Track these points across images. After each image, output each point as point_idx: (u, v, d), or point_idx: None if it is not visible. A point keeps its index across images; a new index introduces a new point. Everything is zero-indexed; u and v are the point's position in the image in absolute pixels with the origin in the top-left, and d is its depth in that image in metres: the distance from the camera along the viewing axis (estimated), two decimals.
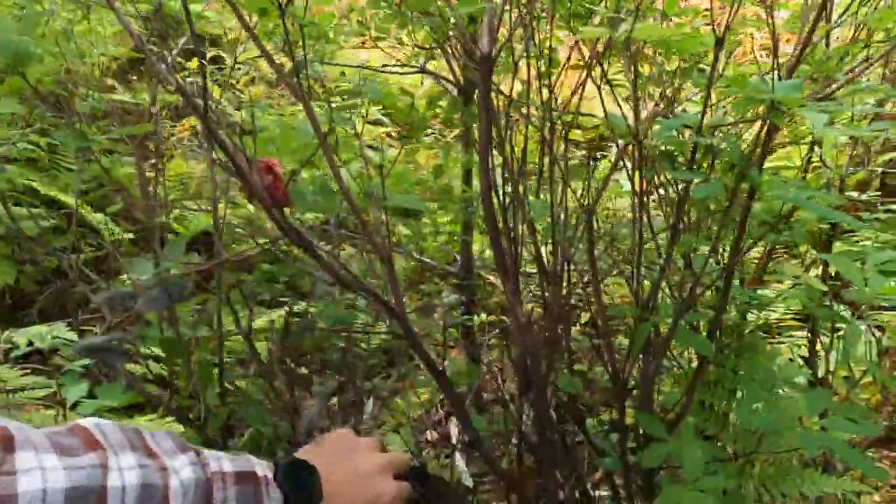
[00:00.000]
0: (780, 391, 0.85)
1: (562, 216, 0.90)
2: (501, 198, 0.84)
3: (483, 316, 2.01)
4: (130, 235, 2.07)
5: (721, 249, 0.89)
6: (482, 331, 2.01)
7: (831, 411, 0.73)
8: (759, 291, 1.23)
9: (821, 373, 1.26)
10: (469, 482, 1.56)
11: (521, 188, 0.85)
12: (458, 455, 1.60)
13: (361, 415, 1.95)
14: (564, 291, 0.90)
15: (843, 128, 0.58)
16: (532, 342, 0.79)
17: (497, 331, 2.01)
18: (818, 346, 1.37)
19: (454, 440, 1.69)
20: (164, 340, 0.78)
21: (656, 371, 0.86)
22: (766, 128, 0.65)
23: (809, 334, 1.44)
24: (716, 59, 0.76)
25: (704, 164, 0.74)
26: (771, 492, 0.81)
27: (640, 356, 0.87)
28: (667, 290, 0.91)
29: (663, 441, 0.80)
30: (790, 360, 1.65)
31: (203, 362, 0.81)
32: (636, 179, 0.83)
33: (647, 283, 0.90)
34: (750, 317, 1.62)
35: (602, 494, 1.20)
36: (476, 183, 1.61)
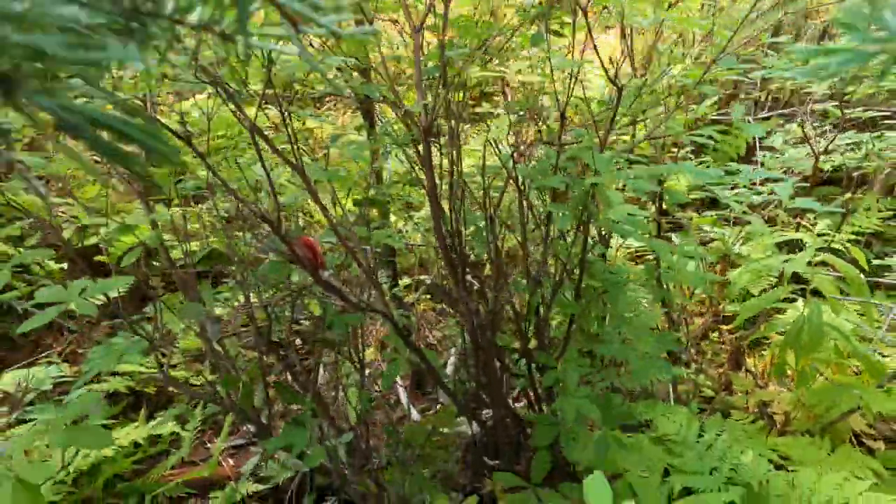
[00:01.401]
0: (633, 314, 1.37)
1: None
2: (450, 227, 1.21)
3: (406, 280, 2.41)
4: (61, 265, 2.14)
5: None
6: (408, 290, 2.42)
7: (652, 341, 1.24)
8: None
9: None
10: (416, 416, 2.01)
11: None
12: (401, 392, 2.04)
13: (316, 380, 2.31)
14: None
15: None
16: (479, 320, 1.21)
17: (421, 289, 2.42)
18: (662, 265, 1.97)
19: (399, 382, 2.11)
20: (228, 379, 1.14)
21: (546, 323, 1.31)
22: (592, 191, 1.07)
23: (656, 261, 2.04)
24: (562, 126, 1.16)
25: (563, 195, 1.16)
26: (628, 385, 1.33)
27: (535, 315, 1.32)
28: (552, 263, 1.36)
29: (554, 368, 1.27)
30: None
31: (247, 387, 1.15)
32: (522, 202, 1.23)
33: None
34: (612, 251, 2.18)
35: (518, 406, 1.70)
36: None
